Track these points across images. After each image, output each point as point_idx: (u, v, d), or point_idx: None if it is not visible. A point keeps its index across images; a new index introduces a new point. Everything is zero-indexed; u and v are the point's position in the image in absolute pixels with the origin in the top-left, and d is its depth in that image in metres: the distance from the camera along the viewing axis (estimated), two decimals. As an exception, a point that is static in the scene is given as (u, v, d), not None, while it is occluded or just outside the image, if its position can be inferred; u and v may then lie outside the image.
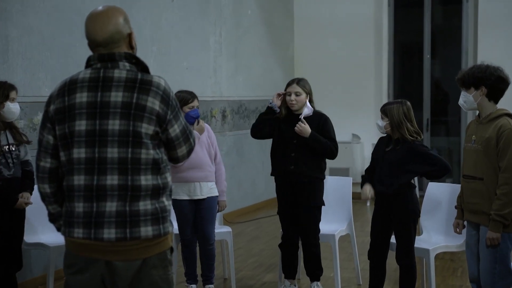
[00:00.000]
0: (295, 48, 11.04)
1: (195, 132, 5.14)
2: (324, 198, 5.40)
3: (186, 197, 5.28)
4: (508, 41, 9.73)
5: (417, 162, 4.73)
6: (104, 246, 2.68)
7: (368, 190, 4.90)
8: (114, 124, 2.69)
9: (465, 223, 4.36)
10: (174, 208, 5.25)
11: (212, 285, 5.47)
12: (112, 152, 2.68)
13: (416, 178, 4.99)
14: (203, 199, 5.31)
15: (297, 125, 5.16)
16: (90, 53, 2.84)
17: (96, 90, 2.72)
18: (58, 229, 2.92)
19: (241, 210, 9.33)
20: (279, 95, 5.33)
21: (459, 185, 5.17)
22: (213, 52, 8.73)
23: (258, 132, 5.42)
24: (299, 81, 5.27)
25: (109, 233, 2.67)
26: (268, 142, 5.58)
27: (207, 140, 5.35)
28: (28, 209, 5.07)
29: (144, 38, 7.21)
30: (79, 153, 2.71)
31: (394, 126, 4.74)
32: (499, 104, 4.16)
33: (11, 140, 5.00)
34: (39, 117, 5.72)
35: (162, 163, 2.77)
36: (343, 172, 10.01)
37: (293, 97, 5.22)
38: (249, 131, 5.57)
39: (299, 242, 5.47)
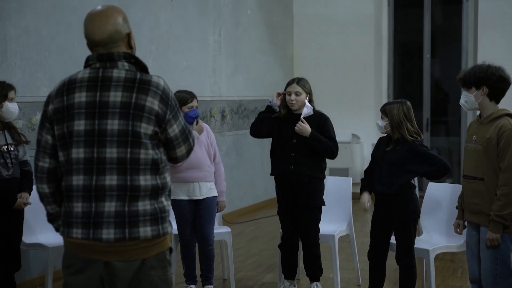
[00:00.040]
0: (295, 48, 11.02)
1: (194, 132, 5.12)
2: (324, 198, 5.38)
3: (185, 197, 5.27)
4: (508, 41, 9.72)
5: (417, 162, 4.73)
6: (103, 246, 2.68)
7: (366, 200, 4.95)
8: (113, 124, 2.68)
9: (466, 223, 4.34)
10: (173, 209, 5.25)
11: (211, 286, 5.46)
12: (111, 152, 2.68)
13: (416, 178, 4.99)
14: (202, 199, 5.30)
15: (297, 124, 5.15)
16: (89, 52, 2.83)
17: (95, 90, 2.72)
18: (57, 230, 2.91)
19: (241, 210, 9.32)
20: (279, 94, 5.32)
21: (459, 185, 5.16)
22: (212, 52, 8.72)
23: (256, 130, 5.41)
24: (299, 81, 5.26)
25: (108, 233, 2.67)
26: (268, 142, 5.57)
27: (206, 140, 5.34)
28: (26, 209, 5.06)
29: (143, 37, 7.19)
30: (78, 153, 2.70)
31: (394, 126, 4.73)
32: (500, 104, 4.14)
33: (9, 140, 5.00)
34: (37, 117, 5.71)
35: (161, 163, 2.77)
36: (342, 172, 10.00)
37: (293, 96, 5.21)
38: (248, 131, 5.56)
39: (299, 243, 5.45)
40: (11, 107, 4.95)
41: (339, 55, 10.67)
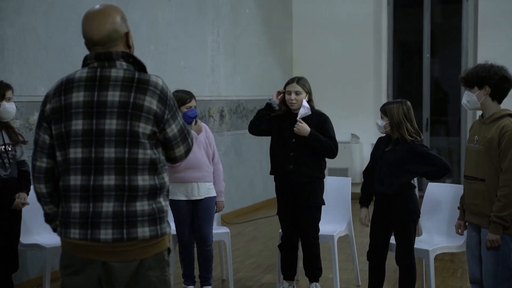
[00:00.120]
0: (294, 48, 11.01)
1: (193, 132, 5.10)
2: (323, 198, 5.36)
3: (183, 198, 5.26)
4: (508, 40, 9.70)
5: (417, 162, 4.72)
6: (101, 247, 2.67)
7: (364, 216, 4.97)
8: (111, 124, 2.67)
9: (467, 224, 4.32)
10: (171, 209, 5.24)
11: (210, 286, 5.44)
12: (109, 152, 2.67)
13: (415, 178, 4.97)
14: (201, 199, 5.29)
15: (296, 125, 5.13)
16: (86, 52, 2.82)
17: (93, 89, 2.71)
18: (54, 230, 2.90)
19: (239, 210, 9.30)
20: (279, 92, 5.30)
21: (459, 185, 5.16)
22: (211, 51, 8.70)
23: (255, 128, 5.39)
24: (299, 80, 5.25)
25: (106, 233, 2.66)
26: (267, 142, 5.56)
27: (205, 140, 5.32)
28: (24, 209, 5.06)
29: (141, 37, 7.18)
30: (76, 153, 2.69)
31: (393, 126, 4.72)
32: (502, 104, 4.12)
33: (7, 140, 5.00)
34: (35, 117, 5.68)
35: (159, 163, 2.76)
36: (342, 172, 9.99)
37: (293, 96, 5.19)
38: (247, 131, 5.54)
39: (299, 243, 5.43)
40: (9, 107, 4.94)
41: (338, 54, 10.65)
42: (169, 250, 2.83)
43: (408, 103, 4.81)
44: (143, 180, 2.69)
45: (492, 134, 4.00)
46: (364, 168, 5.14)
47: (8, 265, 5.02)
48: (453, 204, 5.18)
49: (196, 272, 5.51)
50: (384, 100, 10.18)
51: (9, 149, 4.98)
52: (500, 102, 4.10)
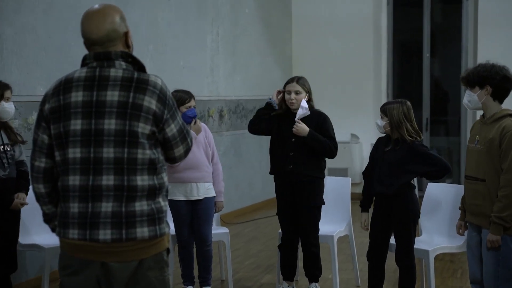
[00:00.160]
0: (293, 47, 11.00)
1: (192, 132, 5.09)
2: (323, 198, 5.34)
3: (182, 198, 5.24)
4: (508, 40, 9.69)
5: (417, 162, 4.71)
6: (100, 247, 2.66)
7: (364, 221, 4.98)
8: (110, 124, 2.67)
9: (467, 224, 4.31)
10: (170, 209, 5.23)
11: (209, 287, 5.43)
12: (108, 152, 2.67)
13: (415, 179, 4.97)
14: (200, 199, 5.28)
15: (294, 126, 5.12)
16: (85, 51, 2.82)
17: (92, 89, 2.70)
18: (53, 230, 2.90)
19: (239, 210, 9.29)
20: (279, 92, 5.29)
21: (459, 186, 5.14)
22: (210, 51, 8.68)
23: (255, 127, 5.38)
24: (299, 80, 5.24)
25: (105, 234, 2.65)
26: (266, 142, 5.55)
27: (204, 140, 5.31)
28: (22, 210, 5.05)
29: (140, 37, 7.16)
30: (75, 153, 2.69)
31: (393, 126, 4.71)
32: (504, 104, 4.10)
33: (6, 140, 4.99)
34: (34, 117, 5.67)
35: (158, 163, 2.75)
36: (341, 172, 9.98)
37: (292, 95, 5.18)
38: (246, 131, 5.53)
39: (299, 243, 5.42)
40: (7, 107, 4.93)
41: (338, 54, 10.65)
42: (168, 250, 2.82)
43: (408, 103, 4.80)
44: (142, 180, 2.68)
45: (493, 134, 3.98)
46: (363, 168, 5.13)
47: (7, 265, 5.01)
48: (453, 204, 5.17)
49: (196, 273, 5.49)
50: (384, 100, 10.18)
51: (8, 149, 4.97)
52: (501, 102, 4.08)
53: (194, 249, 5.44)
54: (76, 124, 2.68)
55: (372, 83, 10.64)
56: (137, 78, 2.71)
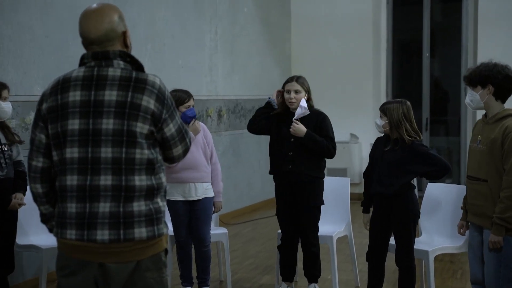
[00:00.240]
0: (292, 47, 10.99)
1: (189, 132, 5.06)
2: (323, 198, 5.33)
3: (181, 198, 5.23)
4: (508, 39, 9.67)
5: (417, 162, 4.70)
6: (97, 247, 2.65)
7: (366, 222, 4.98)
8: (108, 124, 2.66)
9: (469, 224, 4.28)
10: (169, 209, 5.22)
11: (208, 288, 5.41)
12: (106, 152, 2.65)
13: (415, 179, 4.95)
14: (198, 200, 5.26)
15: (291, 126, 5.10)
16: (83, 51, 2.81)
17: (90, 88, 2.69)
18: (50, 230, 2.89)
19: (237, 211, 9.28)
20: (279, 92, 5.27)
21: (459, 186, 5.13)
22: (208, 50, 8.66)
23: (254, 125, 5.37)
24: (298, 79, 5.22)
25: (102, 234, 2.64)
26: (265, 142, 5.53)
27: (202, 140, 5.29)
28: (20, 210, 5.05)
29: (138, 36, 7.14)
30: (72, 152, 2.68)
31: (393, 126, 4.70)
32: (506, 104, 4.07)
33: (3, 140, 4.99)
34: (31, 117, 5.65)
35: (156, 163, 2.75)
36: (341, 172, 9.96)
37: (292, 95, 5.16)
38: (245, 130, 5.51)
39: (298, 243, 5.41)
40: (5, 106, 4.92)
41: (337, 54, 10.64)
42: (166, 251, 2.81)
43: (408, 103, 4.78)
44: (140, 180, 2.67)
45: (495, 134, 3.95)
46: (363, 168, 5.11)
47: (4, 266, 5.00)
48: (453, 205, 5.16)
49: (194, 273, 5.49)
50: (383, 100, 10.17)
51: (5, 149, 4.96)
52: (503, 101, 4.05)
53: (193, 250, 5.42)
54: (74, 124, 2.67)
55: (372, 82, 10.63)
56: (135, 78, 2.70)
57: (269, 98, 5.33)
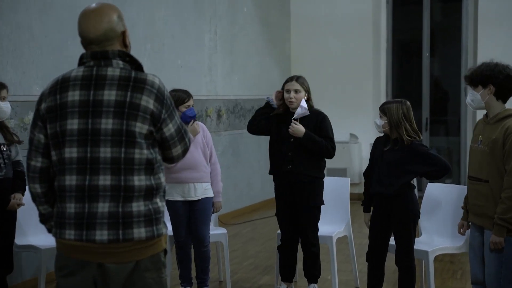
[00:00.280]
0: (292, 47, 10.97)
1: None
2: (323, 198, 5.32)
3: (180, 198, 5.21)
4: (508, 39, 9.66)
5: (416, 162, 4.69)
6: (96, 248, 2.65)
7: (367, 221, 4.97)
8: (107, 123, 2.65)
9: (470, 224, 4.27)
10: (168, 209, 5.21)
11: (207, 288, 5.40)
12: (105, 152, 2.65)
13: (415, 179, 4.94)
14: (198, 200, 5.24)
15: (290, 125, 5.10)
16: (82, 50, 2.80)
17: (89, 88, 2.69)
18: (49, 231, 2.89)
19: (237, 211, 9.27)
20: (279, 92, 5.26)
21: (459, 186, 5.11)
22: (208, 50, 8.65)
23: (253, 126, 5.36)
24: (298, 78, 5.22)
25: (101, 234, 2.64)
26: (265, 142, 5.52)
27: (202, 140, 5.28)
28: (18, 210, 5.04)
29: (137, 36, 7.13)
30: (71, 152, 2.67)
31: (392, 126, 4.69)
32: (507, 104, 4.06)
33: (2, 140, 4.99)
34: (30, 117, 5.64)
35: (155, 163, 2.74)
36: (340, 172, 9.95)
37: (292, 94, 5.15)
38: (244, 130, 5.50)
39: (298, 243, 5.40)
40: (4, 106, 4.92)
41: (337, 53, 10.63)
42: (165, 251, 2.81)
43: (408, 103, 4.77)
44: (139, 181, 2.67)
45: (496, 135, 3.94)
46: (363, 168, 5.10)
47: (3, 266, 5.00)
48: (453, 205, 5.15)
49: (193, 274, 5.47)
50: (383, 100, 10.15)
51: (4, 149, 4.95)
52: (504, 101, 4.03)
53: (192, 250, 5.41)
54: (73, 124, 2.67)
55: (372, 82, 10.62)
56: (134, 77, 2.69)
57: (268, 98, 5.32)
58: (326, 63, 10.63)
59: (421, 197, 5.60)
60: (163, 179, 2.78)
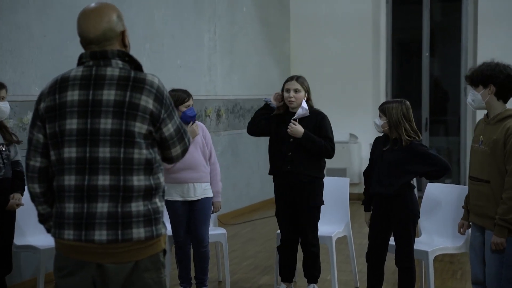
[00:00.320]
0: (291, 46, 10.96)
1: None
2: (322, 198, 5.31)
3: (179, 198, 5.21)
4: (508, 39, 9.65)
5: (416, 162, 4.68)
6: (95, 248, 2.64)
7: (368, 220, 4.96)
8: (106, 123, 2.65)
9: (471, 223, 4.26)
10: (167, 210, 5.21)
11: (206, 288, 5.40)
12: (104, 152, 2.65)
13: (415, 179, 4.93)
14: (197, 200, 5.24)
15: (289, 126, 5.09)
16: (81, 50, 2.80)
17: (88, 88, 2.68)
18: (48, 231, 2.88)
19: (236, 211, 9.25)
20: (278, 94, 5.25)
21: (459, 186, 5.10)
22: (207, 50, 8.64)
23: (253, 127, 5.35)
24: (298, 78, 5.22)
25: (100, 234, 2.63)
26: (264, 142, 5.51)
27: (201, 140, 5.27)
28: (17, 210, 5.04)
29: (136, 35, 7.12)
30: (70, 152, 2.67)
31: (392, 126, 4.69)
32: (508, 104, 4.04)
33: (1, 140, 5.00)
34: (29, 116, 5.63)
35: (155, 163, 2.74)
36: (340, 172, 9.93)
37: (291, 93, 5.15)
38: (244, 130, 5.49)
39: (298, 244, 5.39)
40: (2, 106, 4.91)
41: (336, 53, 10.61)
42: (164, 251, 2.81)
43: (407, 102, 4.77)
44: (138, 181, 2.66)
45: (497, 135, 3.92)
46: (363, 168, 5.09)
47: (2, 267, 4.98)
48: (453, 205, 5.15)
49: (193, 274, 5.46)
50: (382, 100, 10.13)
51: (3, 149, 4.94)
52: (505, 101, 4.02)
53: (191, 250, 5.40)
54: (72, 124, 2.66)
55: (371, 82, 10.60)
56: (134, 77, 2.69)
57: (265, 99, 5.31)
58: (326, 63, 10.62)
59: (420, 197, 5.59)
60: (162, 179, 2.77)
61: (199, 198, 5.23)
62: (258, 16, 9.94)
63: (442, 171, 4.70)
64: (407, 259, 4.77)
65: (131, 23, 6.65)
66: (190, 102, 5.16)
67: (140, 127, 2.65)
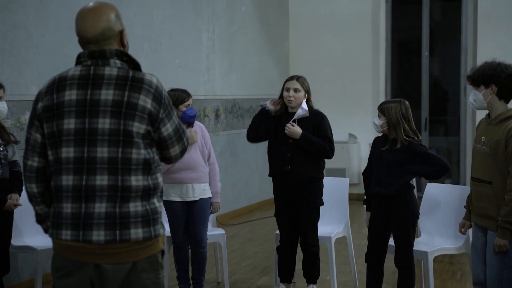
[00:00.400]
0: (290, 46, 10.94)
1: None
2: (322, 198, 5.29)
3: (178, 199, 5.19)
4: (508, 39, 9.63)
5: (416, 162, 4.68)
6: (93, 248, 2.64)
7: (368, 220, 4.95)
8: (104, 123, 2.64)
9: (472, 223, 4.24)
10: (166, 210, 5.20)
11: (203, 288, 5.38)
12: (102, 152, 2.64)
13: (414, 179, 4.92)
14: (196, 200, 5.22)
15: (286, 127, 5.08)
16: (79, 50, 2.79)
17: (86, 87, 2.68)
18: (46, 231, 2.88)
19: (235, 212, 9.24)
20: (274, 101, 5.24)
21: (459, 186, 5.09)
22: (206, 49, 8.62)
23: (252, 134, 5.33)
24: (299, 78, 5.22)
25: (98, 235, 2.63)
26: (263, 142, 5.49)
27: (200, 140, 5.26)
28: (15, 211, 5.04)
29: (135, 35, 7.10)
30: (68, 152, 2.66)
31: (391, 126, 4.69)
32: (510, 104, 4.03)
33: (-2, 140, 4.92)
34: (26, 116, 5.61)
35: (153, 163, 2.73)
36: (339, 172, 9.91)
37: (291, 93, 5.14)
38: (243, 130, 5.49)
39: (297, 244, 5.38)
40: (0, 106, 4.90)
41: (336, 53, 10.59)
42: (163, 252, 2.80)
43: (407, 102, 4.76)
44: (136, 181, 2.66)
45: (499, 136, 3.90)
46: (362, 169, 5.08)
47: (-1, 267, 4.96)
48: (452, 205, 5.14)
49: (191, 274, 5.43)
50: (382, 99, 10.11)
51: (1, 149, 4.93)
52: (507, 101, 4.00)
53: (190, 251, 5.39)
54: (70, 123, 2.66)
55: (371, 82, 10.58)
56: (132, 77, 2.68)
57: (262, 103, 5.29)
58: (325, 63, 10.60)
59: (420, 197, 5.58)
60: (160, 179, 2.77)
61: (197, 198, 5.21)
62: (257, 15, 9.93)
63: (441, 171, 4.69)
64: (407, 260, 4.76)
65: (129, 23, 6.65)
66: (190, 101, 5.14)
67: (139, 127, 2.64)
